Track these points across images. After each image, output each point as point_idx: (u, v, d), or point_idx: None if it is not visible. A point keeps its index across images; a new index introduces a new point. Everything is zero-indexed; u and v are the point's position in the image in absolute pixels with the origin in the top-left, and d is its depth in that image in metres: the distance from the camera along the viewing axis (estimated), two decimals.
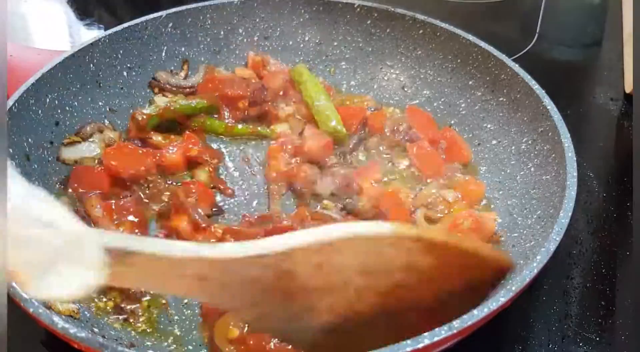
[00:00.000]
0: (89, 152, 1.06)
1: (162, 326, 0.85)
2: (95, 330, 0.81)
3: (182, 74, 1.23)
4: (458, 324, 0.67)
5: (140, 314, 0.85)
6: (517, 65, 1.07)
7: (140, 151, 1.05)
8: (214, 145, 1.14)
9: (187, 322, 0.85)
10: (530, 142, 1.02)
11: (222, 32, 1.27)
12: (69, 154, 1.05)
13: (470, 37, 1.14)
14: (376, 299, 0.68)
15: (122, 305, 0.86)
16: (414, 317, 0.70)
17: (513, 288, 0.72)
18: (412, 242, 0.65)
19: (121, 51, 1.15)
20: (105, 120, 1.13)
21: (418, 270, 0.67)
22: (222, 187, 1.05)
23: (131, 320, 0.85)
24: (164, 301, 0.87)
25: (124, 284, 0.71)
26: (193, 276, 0.60)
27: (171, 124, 1.14)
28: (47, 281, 0.51)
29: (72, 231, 0.52)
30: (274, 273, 0.63)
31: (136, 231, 0.94)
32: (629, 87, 1.31)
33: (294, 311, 0.68)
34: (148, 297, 0.87)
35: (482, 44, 1.13)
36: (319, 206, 1.02)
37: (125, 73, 1.18)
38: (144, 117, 1.09)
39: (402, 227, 0.66)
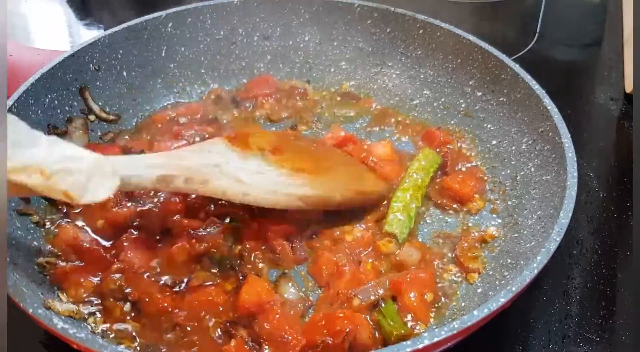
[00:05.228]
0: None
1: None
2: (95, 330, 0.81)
3: None
4: (458, 324, 0.67)
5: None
6: (517, 65, 1.07)
7: None
8: None
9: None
10: (530, 142, 1.02)
11: (222, 32, 1.27)
12: None
13: (471, 37, 1.14)
14: None
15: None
16: None
17: (513, 288, 0.72)
18: None
19: (121, 51, 1.15)
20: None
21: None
22: None
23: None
24: None
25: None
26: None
27: None
28: (88, 192, 0.73)
29: (91, 158, 0.76)
30: None
31: None
32: (629, 87, 1.31)
33: None
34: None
35: (482, 44, 1.13)
36: None
37: (125, 73, 1.18)
38: None
39: None
